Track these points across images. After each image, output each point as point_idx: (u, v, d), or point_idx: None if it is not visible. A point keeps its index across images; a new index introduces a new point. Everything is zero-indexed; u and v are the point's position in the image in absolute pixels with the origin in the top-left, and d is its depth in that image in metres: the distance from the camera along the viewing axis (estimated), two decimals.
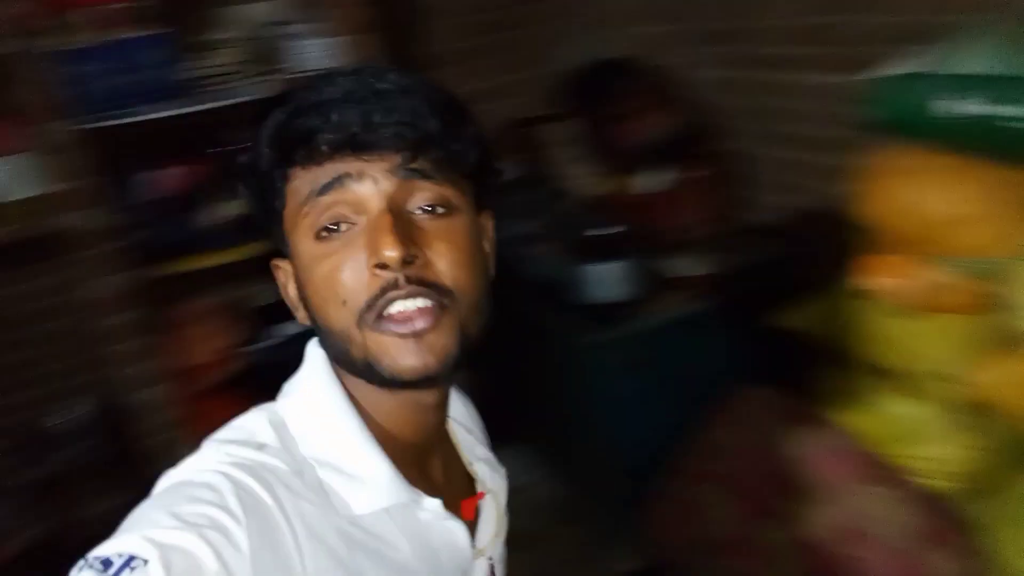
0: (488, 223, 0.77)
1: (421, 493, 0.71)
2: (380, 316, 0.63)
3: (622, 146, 2.69)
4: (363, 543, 0.65)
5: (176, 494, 0.59)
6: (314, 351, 0.73)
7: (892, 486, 1.78)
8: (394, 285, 0.62)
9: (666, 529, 2.16)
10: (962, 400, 1.70)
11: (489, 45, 3.67)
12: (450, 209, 0.66)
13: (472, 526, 0.78)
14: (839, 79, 2.57)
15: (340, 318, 0.64)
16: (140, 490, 0.62)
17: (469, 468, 0.85)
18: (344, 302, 0.63)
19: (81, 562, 0.53)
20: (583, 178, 2.77)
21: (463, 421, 0.89)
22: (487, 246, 0.75)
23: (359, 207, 0.64)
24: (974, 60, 1.55)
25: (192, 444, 0.67)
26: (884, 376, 1.81)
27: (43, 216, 2.35)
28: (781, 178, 2.84)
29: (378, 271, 0.62)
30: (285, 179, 0.66)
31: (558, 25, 3.68)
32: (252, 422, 0.69)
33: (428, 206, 0.66)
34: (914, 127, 1.67)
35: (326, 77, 0.66)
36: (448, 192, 0.66)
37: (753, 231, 2.79)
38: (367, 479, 0.66)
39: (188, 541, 0.53)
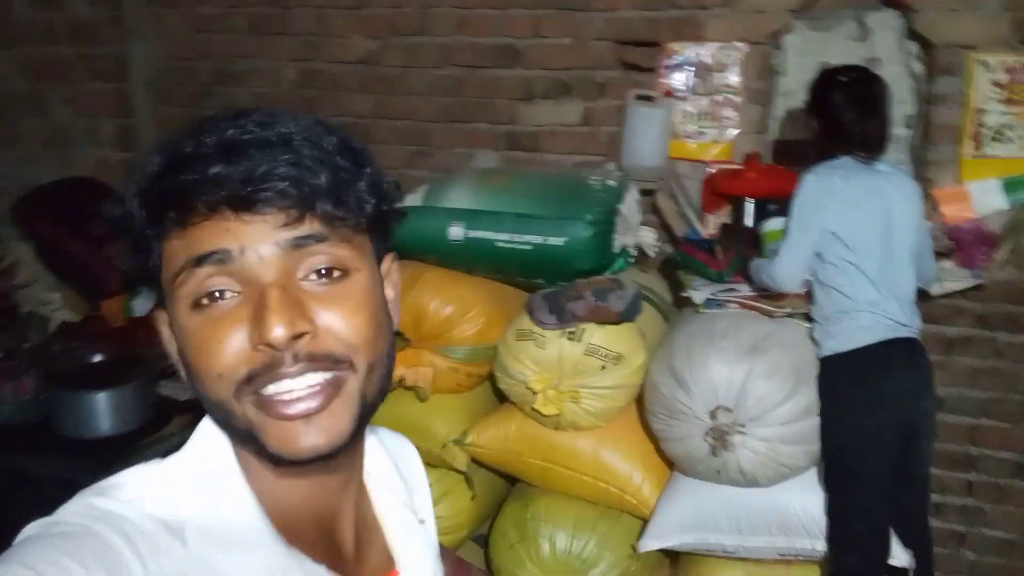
0: (391, 267, 0.70)
1: (305, 558, 0.63)
2: (259, 394, 0.57)
3: (99, 269, 2.52)
4: None
5: (33, 545, 0.55)
6: None
7: None
8: (281, 362, 0.56)
9: None
10: (466, 461, 2.12)
11: None
12: (346, 271, 0.60)
13: None
14: None
15: (217, 390, 0.58)
16: None
17: (388, 540, 0.74)
18: (220, 375, 0.57)
19: None
20: (52, 304, 2.47)
21: (386, 477, 0.76)
22: (391, 292, 0.68)
23: (242, 278, 0.57)
24: (458, 198, 2.08)
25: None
26: None
27: None
28: None
29: (262, 348, 0.56)
30: (160, 238, 0.59)
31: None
32: (130, 477, 0.63)
33: (323, 270, 0.59)
34: (419, 247, 2.12)
35: (206, 123, 0.58)
36: (343, 252, 0.60)
37: None
38: (242, 542, 0.61)
39: None
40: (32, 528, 0.59)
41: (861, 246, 1.79)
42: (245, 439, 0.60)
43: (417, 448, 2.15)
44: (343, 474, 0.68)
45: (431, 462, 2.14)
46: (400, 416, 2.13)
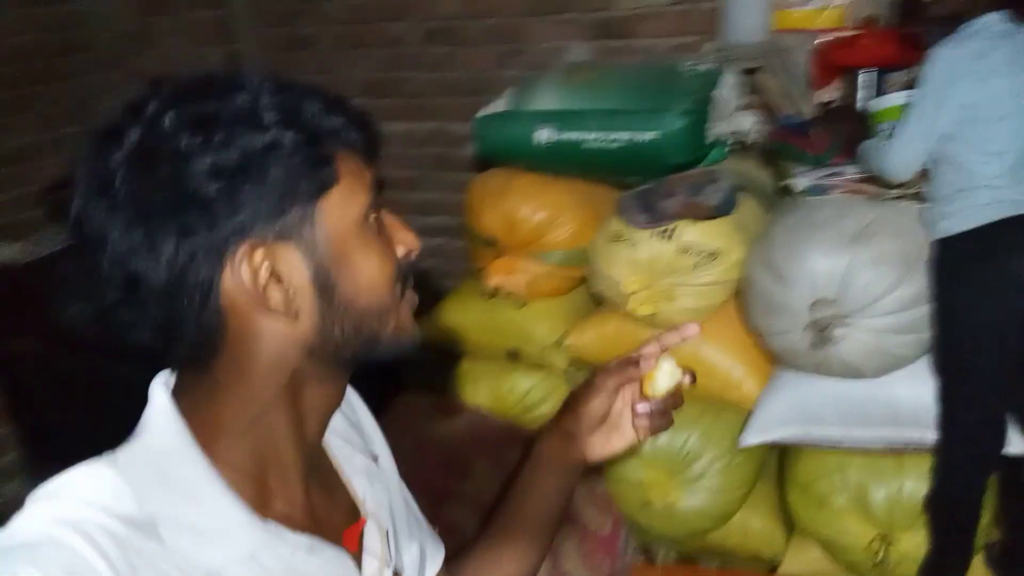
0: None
1: (284, 529, 0.66)
2: (404, 294, 0.70)
3: None
4: None
5: None
6: (158, 391, 0.67)
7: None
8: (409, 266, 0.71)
9: None
10: (566, 362, 2.17)
11: (26, 98, 3.25)
12: None
13: (360, 557, 0.73)
14: (407, 126, 3.00)
15: (383, 294, 0.67)
16: None
17: (350, 490, 0.78)
18: (389, 281, 0.68)
19: None
20: None
21: (338, 427, 0.81)
22: None
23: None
24: (544, 99, 2.04)
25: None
26: (511, 358, 2.20)
27: None
28: None
29: (412, 255, 0.71)
30: (338, 159, 0.64)
31: (103, 77, 3.45)
32: (83, 475, 0.62)
33: None
34: (507, 154, 2.11)
35: (309, 89, 0.64)
36: None
37: None
38: (219, 528, 0.63)
39: None
40: None
41: (994, 118, 1.59)
42: (385, 343, 0.69)
43: (519, 351, 2.22)
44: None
45: (532, 365, 2.20)
46: (500, 322, 2.19)
